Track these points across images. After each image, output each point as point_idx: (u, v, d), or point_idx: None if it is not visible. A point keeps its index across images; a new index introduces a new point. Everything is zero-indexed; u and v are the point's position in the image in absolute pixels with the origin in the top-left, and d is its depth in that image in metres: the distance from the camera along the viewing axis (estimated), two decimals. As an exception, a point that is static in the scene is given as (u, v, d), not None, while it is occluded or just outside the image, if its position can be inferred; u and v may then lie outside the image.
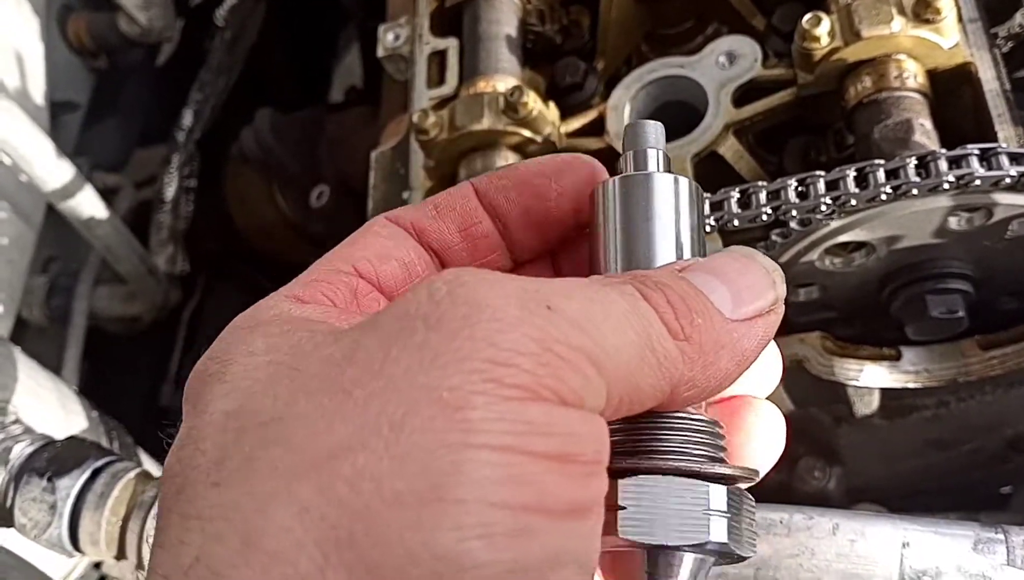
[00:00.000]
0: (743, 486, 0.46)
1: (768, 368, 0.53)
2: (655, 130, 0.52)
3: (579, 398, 0.38)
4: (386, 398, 0.36)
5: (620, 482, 0.44)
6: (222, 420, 0.40)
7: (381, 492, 0.35)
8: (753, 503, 0.47)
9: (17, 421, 1.00)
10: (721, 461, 0.46)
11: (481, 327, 0.37)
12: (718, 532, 0.43)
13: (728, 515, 0.44)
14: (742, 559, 0.45)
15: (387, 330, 0.38)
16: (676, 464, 0.44)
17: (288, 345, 0.41)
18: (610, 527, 0.43)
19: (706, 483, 0.44)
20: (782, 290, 0.47)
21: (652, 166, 0.51)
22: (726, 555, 0.45)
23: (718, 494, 0.44)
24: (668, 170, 0.51)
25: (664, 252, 0.48)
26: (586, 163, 0.53)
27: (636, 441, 0.46)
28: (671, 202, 0.49)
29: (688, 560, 0.44)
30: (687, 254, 0.48)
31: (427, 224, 0.53)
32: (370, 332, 0.39)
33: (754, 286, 0.46)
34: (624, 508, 0.43)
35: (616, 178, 0.50)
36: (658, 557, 0.44)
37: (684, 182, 0.50)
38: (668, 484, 0.44)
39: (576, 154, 0.53)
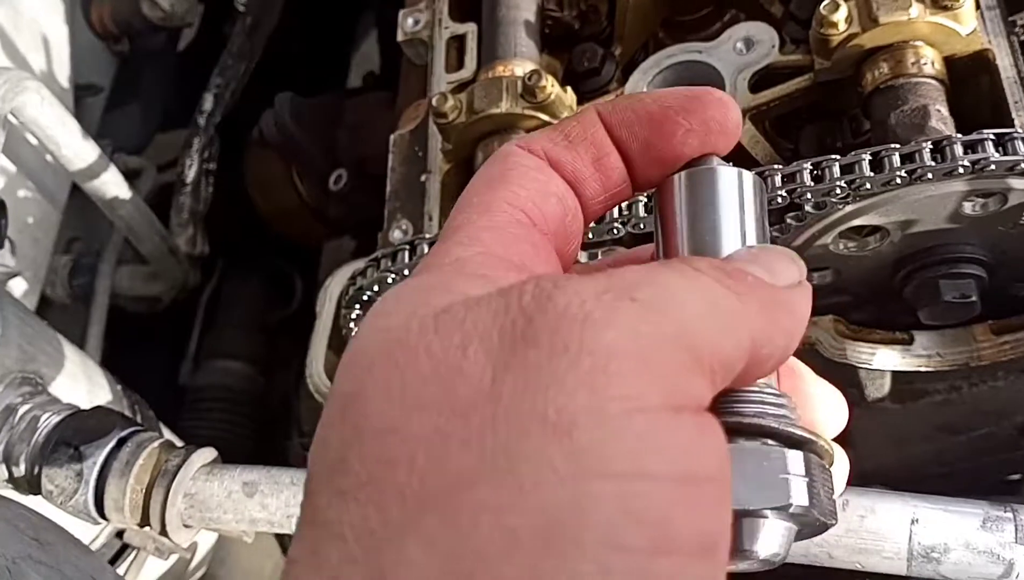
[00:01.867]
0: (822, 459, 0.46)
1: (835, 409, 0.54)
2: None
3: (687, 396, 0.36)
4: (498, 425, 0.34)
5: None
6: (340, 407, 0.38)
7: (500, 526, 0.33)
8: (829, 473, 0.46)
9: (44, 391, 1.02)
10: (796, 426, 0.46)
11: (575, 337, 0.35)
12: (799, 495, 0.43)
13: (807, 479, 0.43)
14: (824, 527, 0.45)
15: (490, 344, 0.36)
16: (759, 423, 0.44)
17: (399, 319, 0.39)
18: None
19: (783, 447, 0.44)
20: (803, 267, 0.48)
21: (716, 161, 0.51)
22: (807, 521, 0.44)
23: (796, 458, 0.44)
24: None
25: (729, 238, 0.48)
26: (718, 99, 0.49)
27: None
28: (735, 194, 0.49)
29: (771, 526, 0.43)
30: (752, 240, 0.49)
31: (561, 154, 0.49)
32: (474, 342, 0.36)
33: (782, 263, 0.46)
34: None
35: (683, 173, 0.50)
36: (740, 523, 0.42)
37: (747, 175, 0.50)
38: (751, 447, 0.44)
39: (708, 89, 0.50)
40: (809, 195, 0.94)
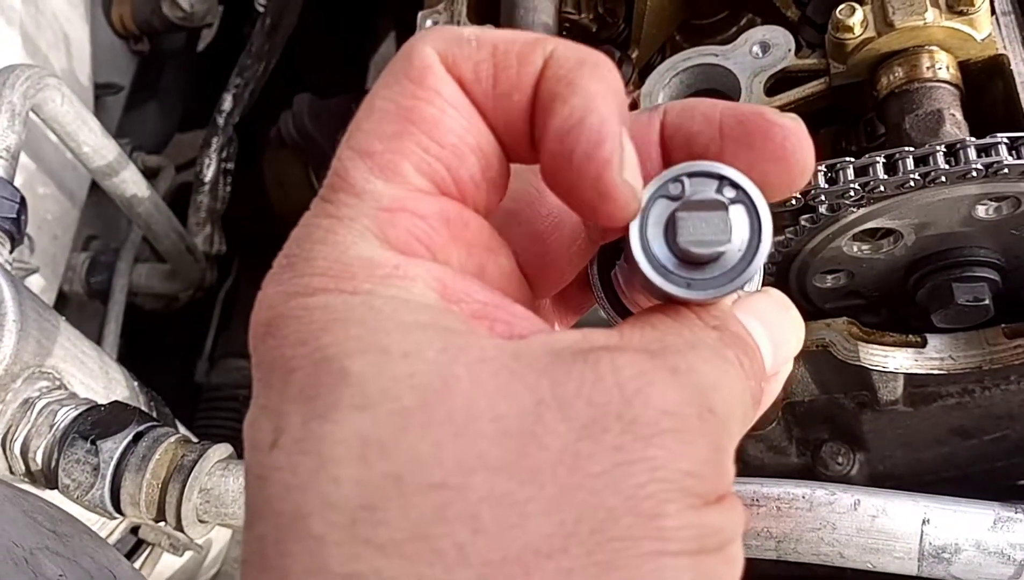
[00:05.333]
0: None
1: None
2: None
3: (728, 492, 0.39)
4: (582, 499, 0.34)
5: None
6: (360, 449, 0.35)
7: None
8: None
9: (62, 386, 1.03)
10: None
11: (671, 436, 0.36)
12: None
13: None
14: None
15: (576, 416, 0.35)
16: None
17: (429, 364, 0.36)
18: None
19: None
20: (800, 345, 0.47)
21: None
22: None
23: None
24: None
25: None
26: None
27: None
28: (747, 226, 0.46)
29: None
30: (756, 282, 0.49)
31: (477, 99, 0.41)
32: (553, 408, 0.35)
33: (788, 342, 0.46)
34: None
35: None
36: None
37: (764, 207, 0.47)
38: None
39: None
40: (823, 197, 0.95)
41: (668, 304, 0.43)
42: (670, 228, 0.41)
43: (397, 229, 0.39)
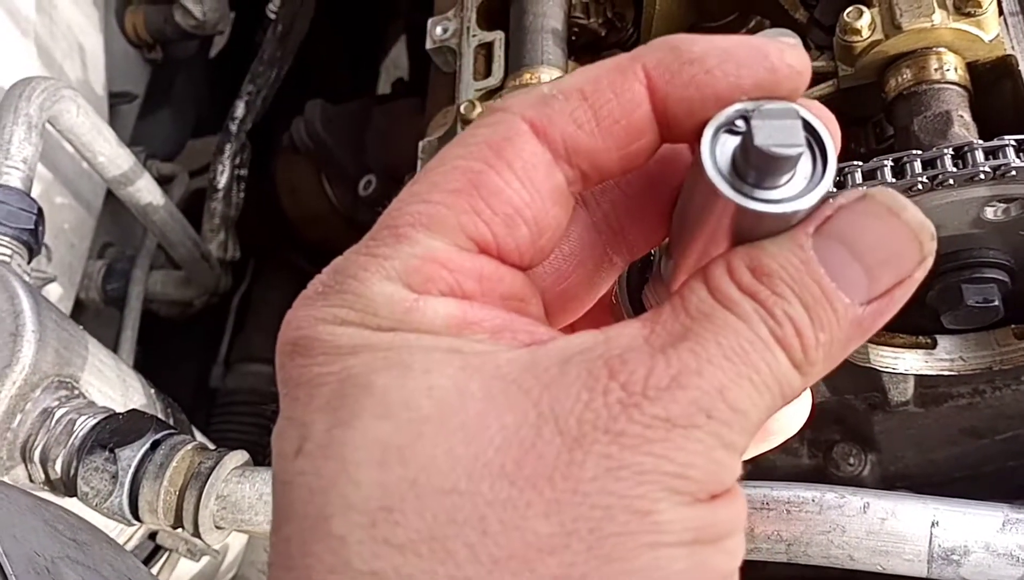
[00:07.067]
0: None
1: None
2: None
3: (726, 489, 0.40)
4: (579, 502, 0.37)
5: None
6: (380, 454, 0.38)
7: None
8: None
9: (80, 395, 1.04)
10: None
11: (657, 445, 0.38)
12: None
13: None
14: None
15: (568, 430, 0.38)
16: None
17: (447, 379, 0.39)
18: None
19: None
20: (930, 248, 0.41)
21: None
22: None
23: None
24: None
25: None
26: (792, 73, 0.41)
27: None
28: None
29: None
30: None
31: (583, 142, 0.42)
32: (550, 422, 0.38)
33: (895, 258, 0.41)
34: None
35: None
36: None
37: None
38: None
39: (780, 60, 0.41)
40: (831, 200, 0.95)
41: (717, 262, 0.41)
42: (739, 149, 0.40)
43: (420, 276, 0.41)
